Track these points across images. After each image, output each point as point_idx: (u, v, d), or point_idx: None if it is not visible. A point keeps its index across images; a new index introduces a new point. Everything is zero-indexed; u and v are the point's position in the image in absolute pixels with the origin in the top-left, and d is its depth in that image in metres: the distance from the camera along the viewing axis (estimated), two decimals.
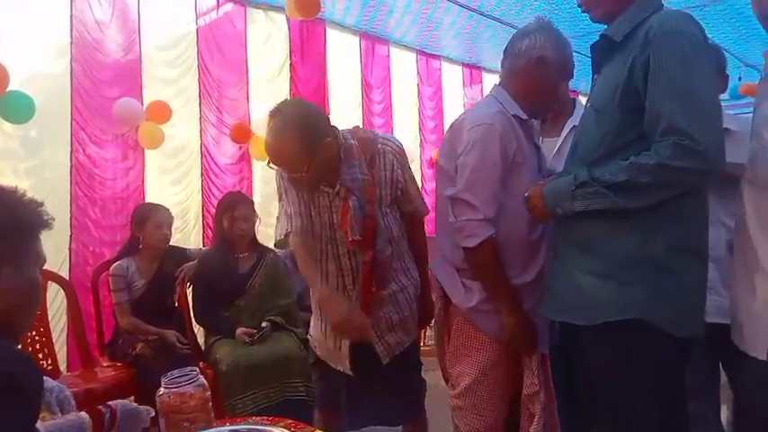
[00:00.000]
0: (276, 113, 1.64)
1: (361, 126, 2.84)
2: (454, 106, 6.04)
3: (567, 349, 1.51)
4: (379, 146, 1.78)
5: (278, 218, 1.86)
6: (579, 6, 1.45)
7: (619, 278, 1.29)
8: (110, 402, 1.37)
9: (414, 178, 1.87)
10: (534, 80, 1.61)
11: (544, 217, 1.46)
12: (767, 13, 1.22)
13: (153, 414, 1.42)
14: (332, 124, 1.74)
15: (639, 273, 1.28)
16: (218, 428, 1.48)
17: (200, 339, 2.94)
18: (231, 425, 1.53)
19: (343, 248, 1.75)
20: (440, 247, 1.71)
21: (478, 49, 6.07)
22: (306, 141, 1.60)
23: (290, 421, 1.52)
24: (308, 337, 1.99)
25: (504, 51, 1.69)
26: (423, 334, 2.76)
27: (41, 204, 1.11)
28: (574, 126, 1.79)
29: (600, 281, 1.31)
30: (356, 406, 1.79)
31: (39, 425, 1.02)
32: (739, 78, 7.19)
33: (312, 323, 1.94)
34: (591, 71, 1.49)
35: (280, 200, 1.85)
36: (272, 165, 1.70)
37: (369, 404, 1.76)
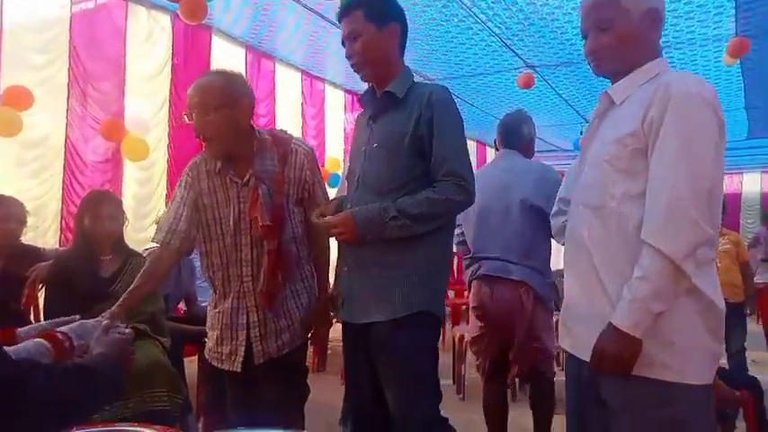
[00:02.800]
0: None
1: None
2: (336, 129, 6.21)
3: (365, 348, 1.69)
4: (293, 145, 1.85)
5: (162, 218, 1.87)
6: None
7: (410, 282, 1.62)
8: (57, 330, 1.32)
9: (322, 183, 1.92)
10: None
11: (352, 241, 1.63)
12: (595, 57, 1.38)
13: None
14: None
15: (427, 278, 1.64)
16: (86, 429, 1.40)
17: None
18: (98, 428, 1.46)
19: (246, 239, 1.77)
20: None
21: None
22: (225, 86, 1.72)
23: (158, 426, 1.49)
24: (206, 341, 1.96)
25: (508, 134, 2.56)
26: None
27: None
28: None
29: (397, 286, 1.62)
30: (238, 406, 1.78)
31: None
32: (581, 132, 8.26)
33: (209, 334, 1.91)
34: None
35: (170, 203, 1.86)
36: (189, 104, 1.72)
37: (250, 405, 1.77)
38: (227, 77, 1.78)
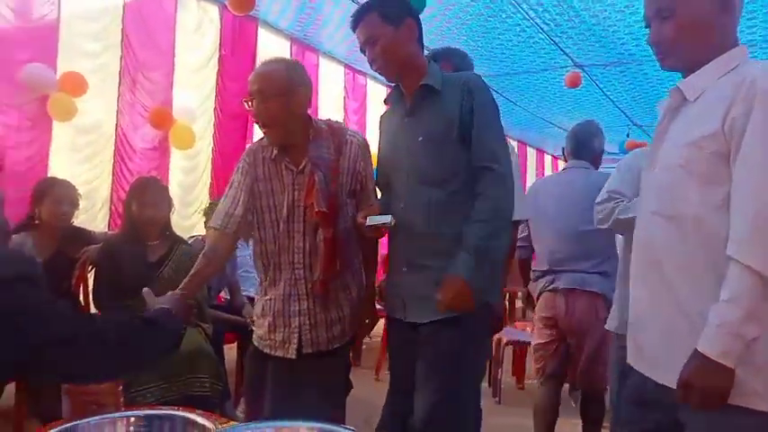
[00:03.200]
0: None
1: None
2: (377, 123, 6.19)
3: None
4: (348, 136, 1.85)
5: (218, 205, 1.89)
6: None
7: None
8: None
9: (373, 176, 1.91)
10: None
11: (470, 308, 1.56)
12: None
13: None
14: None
15: None
16: (133, 411, 1.43)
17: None
18: (145, 410, 1.48)
19: (299, 226, 1.77)
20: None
21: None
22: (286, 74, 1.75)
23: (201, 411, 1.50)
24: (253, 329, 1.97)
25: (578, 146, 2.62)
26: None
27: None
28: None
29: None
30: (279, 395, 1.78)
31: None
32: (627, 135, 8.04)
33: (257, 320, 1.91)
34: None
35: (228, 189, 1.87)
36: (249, 91, 1.75)
37: (292, 395, 1.77)
38: (288, 66, 1.82)
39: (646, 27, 1.28)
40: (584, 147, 2.64)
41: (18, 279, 0.97)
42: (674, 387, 1.14)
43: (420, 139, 1.66)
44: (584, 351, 2.50)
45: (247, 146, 1.96)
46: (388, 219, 1.63)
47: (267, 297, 1.85)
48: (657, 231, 1.22)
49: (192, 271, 1.80)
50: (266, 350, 1.85)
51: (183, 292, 1.66)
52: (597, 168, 2.69)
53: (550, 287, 2.56)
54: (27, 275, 0.98)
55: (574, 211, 2.46)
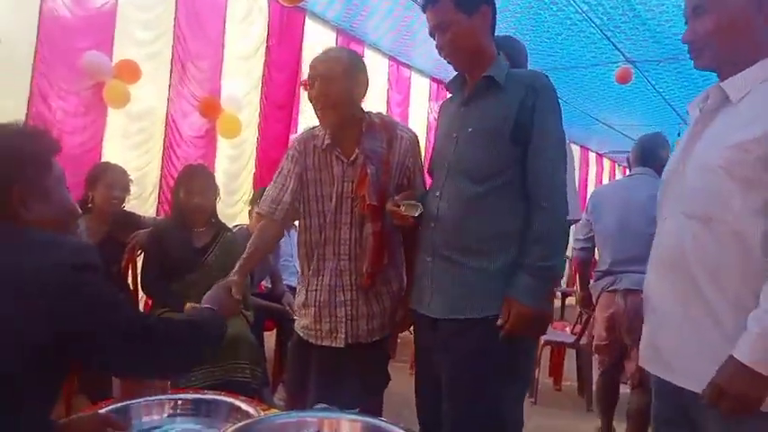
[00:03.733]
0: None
1: None
2: (420, 117, 6.16)
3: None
4: (398, 131, 1.85)
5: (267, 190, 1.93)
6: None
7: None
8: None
9: (423, 172, 1.89)
10: None
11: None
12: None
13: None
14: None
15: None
16: (181, 395, 1.47)
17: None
18: (193, 394, 1.52)
19: (347, 218, 1.78)
20: None
21: (447, 66, 6.22)
22: (349, 60, 1.79)
23: (243, 397, 1.53)
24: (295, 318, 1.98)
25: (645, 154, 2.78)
26: None
27: (43, 131, 1.11)
28: None
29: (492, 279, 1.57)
30: (322, 384, 1.80)
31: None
32: (678, 134, 7.77)
33: (300, 310, 1.91)
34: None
35: (277, 176, 1.89)
36: (310, 75, 1.78)
37: (333, 385, 1.78)
38: (351, 53, 1.88)
39: (685, 24, 1.25)
40: (651, 155, 2.79)
41: (86, 267, 1.00)
42: (695, 390, 1.15)
43: (470, 130, 1.60)
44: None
45: (294, 136, 1.97)
46: (417, 208, 1.61)
47: (311, 288, 1.86)
48: (688, 233, 1.19)
49: (243, 257, 1.83)
50: (311, 340, 1.86)
51: (234, 278, 1.67)
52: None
53: (611, 288, 2.72)
54: (94, 264, 1.02)
55: (639, 215, 2.52)
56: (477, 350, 1.53)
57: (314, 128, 1.88)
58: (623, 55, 5.25)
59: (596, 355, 2.99)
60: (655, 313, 1.30)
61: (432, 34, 1.63)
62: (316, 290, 1.84)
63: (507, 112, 1.55)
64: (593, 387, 3.02)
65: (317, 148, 1.82)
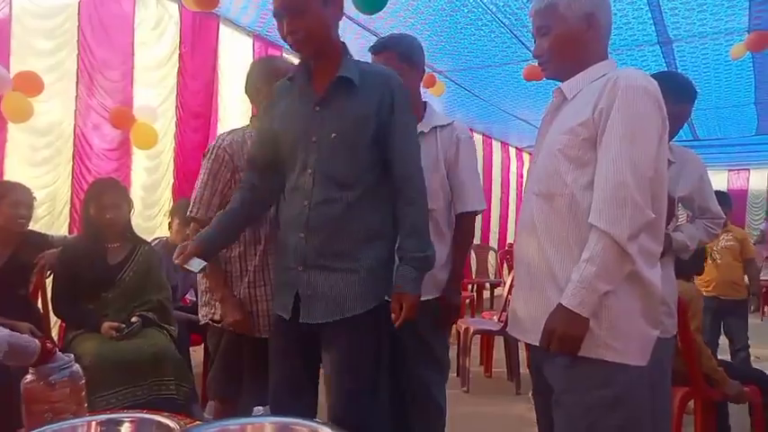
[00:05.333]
0: None
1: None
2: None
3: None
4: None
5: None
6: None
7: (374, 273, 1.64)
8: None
9: None
10: None
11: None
12: None
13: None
14: None
15: (386, 267, 1.67)
16: (93, 416, 1.41)
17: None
18: (107, 414, 1.47)
19: None
20: None
21: None
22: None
23: (167, 412, 1.49)
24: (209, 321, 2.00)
25: None
26: None
27: None
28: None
29: (362, 278, 1.63)
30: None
31: None
32: None
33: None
34: None
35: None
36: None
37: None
38: None
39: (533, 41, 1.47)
40: None
41: None
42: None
43: (333, 135, 1.57)
44: None
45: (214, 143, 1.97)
46: (200, 266, 1.65)
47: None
48: (536, 209, 1.38)
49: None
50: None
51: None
52: None
53: None
54: None
55: None
56: (357, 345, 1.60)
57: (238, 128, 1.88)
58: (532, 53, 5.51)
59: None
60: (516, 284, 1.47)
61: (278, 15, 1.54)
62: None
63: (367, 112, 1.56)
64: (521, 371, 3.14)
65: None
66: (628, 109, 1.26)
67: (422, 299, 1.63)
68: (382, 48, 1.99)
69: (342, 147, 1.58)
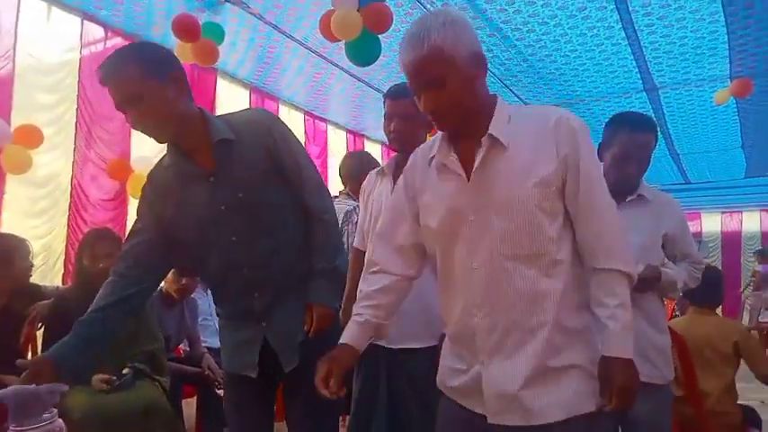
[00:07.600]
0: None
1: None
2: (338, 169, 6.27)
3: None
4: None
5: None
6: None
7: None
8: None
9: None
10: None
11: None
12: None
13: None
14: None
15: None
16: None
17: None
18: None
19: None
20: None
21: (363, 118, 6.45)
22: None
23: None
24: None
25: None
26: None
27: None
28: None
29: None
30: None
31: None
32: None
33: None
34: None
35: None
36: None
37: None
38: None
39: (413, 95, 1.30)
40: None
41: None
42: (563, 418, 1.20)
43: (240, 195, 1.55)
44: None
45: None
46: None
47: None
48: (516, 276, 1.24)
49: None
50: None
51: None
52: None
53: None
54: None
55: None
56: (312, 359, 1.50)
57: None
58: (521, 100, 5.65)
59: None
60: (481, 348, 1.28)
61: (121, 108, 1.48)
62: None
63: (259, 161, 1.57)
64: None
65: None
66: (591, 152, 1.27)
67: (420, 346, 1.63)
68: (405, 93, 1.88)
69: (248, 207, 1.58)
